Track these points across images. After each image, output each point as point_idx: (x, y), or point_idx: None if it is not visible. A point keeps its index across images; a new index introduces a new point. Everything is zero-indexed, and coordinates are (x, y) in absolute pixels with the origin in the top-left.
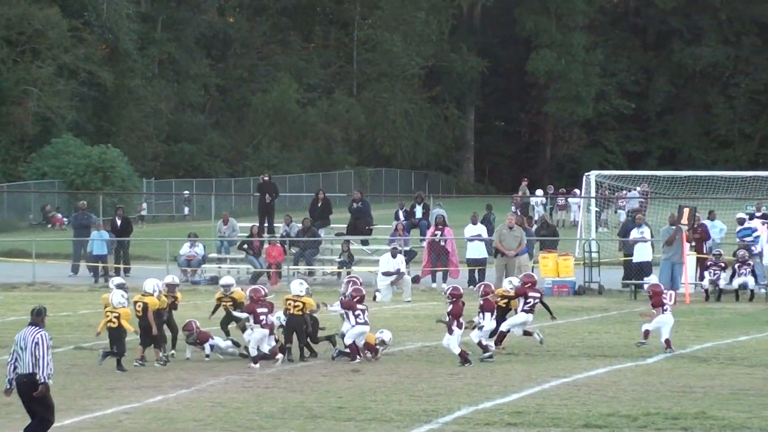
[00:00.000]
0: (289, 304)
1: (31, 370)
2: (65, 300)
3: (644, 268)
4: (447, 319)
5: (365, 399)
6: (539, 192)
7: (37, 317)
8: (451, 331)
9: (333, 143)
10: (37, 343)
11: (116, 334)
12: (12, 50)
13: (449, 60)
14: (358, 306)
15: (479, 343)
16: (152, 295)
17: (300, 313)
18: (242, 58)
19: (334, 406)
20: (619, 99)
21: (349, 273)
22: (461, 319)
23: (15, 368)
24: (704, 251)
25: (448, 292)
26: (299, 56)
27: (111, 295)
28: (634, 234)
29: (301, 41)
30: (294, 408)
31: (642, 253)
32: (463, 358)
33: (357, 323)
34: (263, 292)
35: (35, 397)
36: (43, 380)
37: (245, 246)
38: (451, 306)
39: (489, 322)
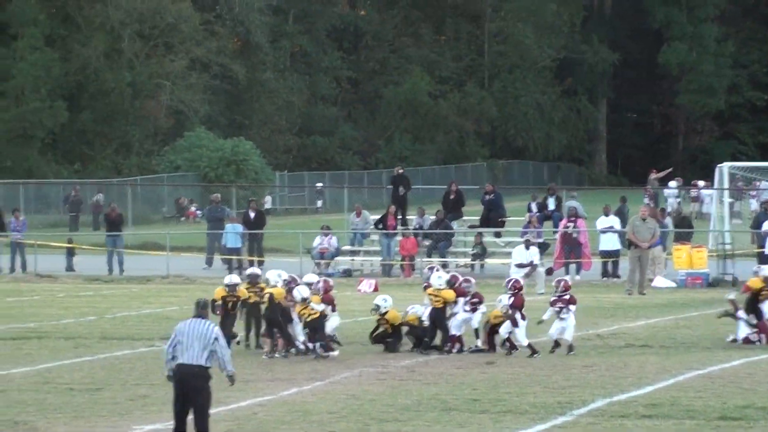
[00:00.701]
0: (432, 298)
1: (200, 362)
2: (200, 293)
3: None
4: (509, 311)
5: (500, 391)
6: (672, 183)
7: (203, 310)
8: (516, 324)
9: (465, 135)
10: (216, 338)
11: (318, 323)
12: (145, 44)
13: (580, 51)
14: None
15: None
16: (276, 286)
17: (442, 305)
18: (374, 51)
19: (468, 399)
20: (752, 91)
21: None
22: (523, 311)
23: (173, 358)
24: None
25: (510, 284)
26: (430, 49)
27: (297, 290)
28: (767, 226)
29: (432, 34)
30: (428, 400)
31: None
32: (532, 349)
33: (463, 311)
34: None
35: (202, 389)
36: (232, 372)
37: (380, 226)
38: (512, 298)
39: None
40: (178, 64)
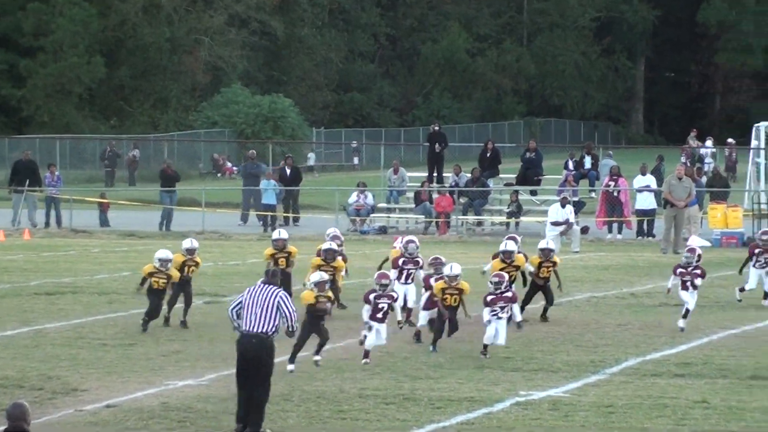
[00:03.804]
0: None
1: (261, 330)
2: (234, 249)
3: None
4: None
5: (532, 349)
6: (709, 143)
7: (273, 278)
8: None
9: (502, 93)
10: (282, 303)
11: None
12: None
13: (620, 11)
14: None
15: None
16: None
17: None
18: (412, 8)
19: (501, 356)
20: None
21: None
22: None
23: (238, 316)
24: None
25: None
26: (469, 5)
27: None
28: None
29: None
30: (461, 358)
31: None
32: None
33: None
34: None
35: (267, 359)
36: (293, 329)
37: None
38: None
39: None
40: (217, 19)
